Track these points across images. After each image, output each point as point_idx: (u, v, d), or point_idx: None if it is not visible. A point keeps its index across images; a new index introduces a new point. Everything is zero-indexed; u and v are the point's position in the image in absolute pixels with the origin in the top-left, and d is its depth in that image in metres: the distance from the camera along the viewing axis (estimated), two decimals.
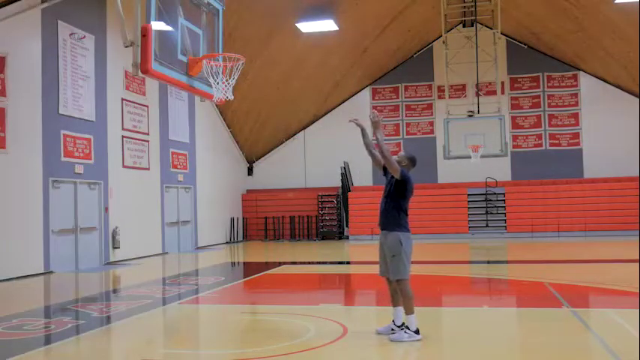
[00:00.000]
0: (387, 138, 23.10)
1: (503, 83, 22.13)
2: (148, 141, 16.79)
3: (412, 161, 6.43)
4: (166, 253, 17.52)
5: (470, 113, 18.98)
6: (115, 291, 11.10)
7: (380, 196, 6.45)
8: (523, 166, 22.43)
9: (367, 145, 6.58)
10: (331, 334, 6.32)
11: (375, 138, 6.31)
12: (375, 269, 6.64)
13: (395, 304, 6.28)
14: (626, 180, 20.70)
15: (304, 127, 24.24)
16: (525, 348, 6.01)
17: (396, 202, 6.21)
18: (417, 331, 5.99)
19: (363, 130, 6.60)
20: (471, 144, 18.70)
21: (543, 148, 22.44)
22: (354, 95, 23.91)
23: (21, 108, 12.24)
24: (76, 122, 13.80)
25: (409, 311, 6.03)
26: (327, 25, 17.99)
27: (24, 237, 12.31)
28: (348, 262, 15.96)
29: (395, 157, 6.23)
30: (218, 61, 7.20)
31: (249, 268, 14.62)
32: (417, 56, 23.38)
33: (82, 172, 13.97)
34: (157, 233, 17.25)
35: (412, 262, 6.25)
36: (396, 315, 6.25)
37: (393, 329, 6.19)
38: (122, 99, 15.62)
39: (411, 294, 6.09)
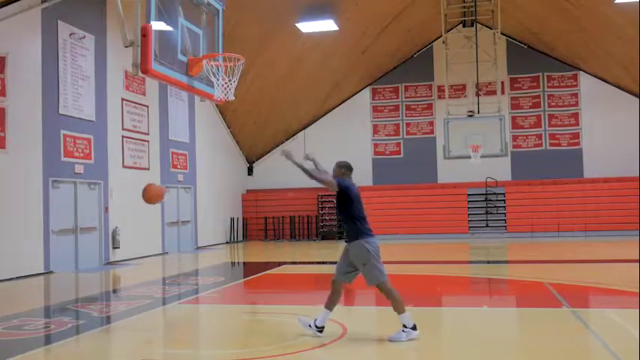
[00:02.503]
0: (387, 138, 23.14)
1: (503, 83, 22.10)
2: (147, 141, 16.79)
3: (346, 167, 6.44)
4: (166, 253, 17.52)
5: (470, 113, 18.95)
6: (114, 291, 11.10)
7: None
8: (523, 166, 22.42)
9: (310, 174, 6.26)
10: (331, 334, 6.32)
11: (298, 165, 6.21)
12: None
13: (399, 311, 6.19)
14: (626, 180, 20.68)
15: (304, 127, 24.23)
16: (525, 348, 6.00)
17: (346, 213, 6.29)
18: (414, 327, 5.99)
19: (299, 165, 6.32)
20: (471, 144, 18.66)
21: (543, 148, 22.43)
22: (354, 95, 23.88)
23: (21, 108, 12.24)
24: (76, 122, 13.80)
25: (400, 311, 6.04)
26: (327, 25, 17.97)
27: (24, 237, 12.31)
28: None
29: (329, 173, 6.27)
30: (218, 61, 7.20)
31: (249, 268, 14.62)
32: (417, 56, 23.37)
33: (82, 172, 13.97)
34: (156, 233, 17.25)
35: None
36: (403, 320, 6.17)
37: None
38: (122, 99, 15.62)
39: (396, 293, 6.10)
